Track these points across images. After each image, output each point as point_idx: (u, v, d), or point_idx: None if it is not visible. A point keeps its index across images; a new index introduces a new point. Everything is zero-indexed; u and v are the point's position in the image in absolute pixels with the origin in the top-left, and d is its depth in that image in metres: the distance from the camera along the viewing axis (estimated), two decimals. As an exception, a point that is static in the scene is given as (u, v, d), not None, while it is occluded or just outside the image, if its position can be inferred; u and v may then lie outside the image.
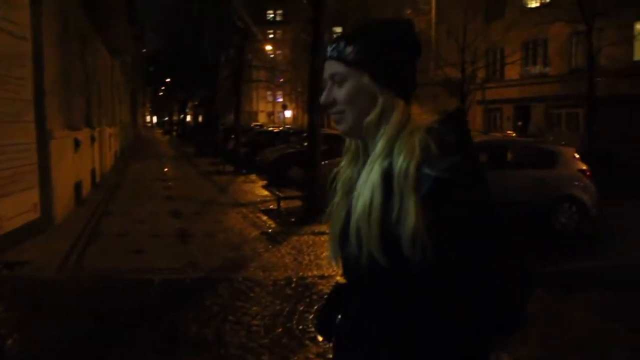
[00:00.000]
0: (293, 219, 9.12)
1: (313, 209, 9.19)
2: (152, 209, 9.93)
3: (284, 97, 61.44)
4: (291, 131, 23.20)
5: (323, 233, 7.77)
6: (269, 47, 60.71)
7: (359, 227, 1.23)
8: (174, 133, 51.29)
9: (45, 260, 6.18)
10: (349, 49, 1.32)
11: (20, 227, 6.74)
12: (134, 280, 5.68)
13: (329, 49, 1.37)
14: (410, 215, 1.15)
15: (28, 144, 7.11)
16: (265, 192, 12.47)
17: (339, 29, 35.66)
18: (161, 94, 69.64)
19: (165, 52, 48.81)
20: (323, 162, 9.74)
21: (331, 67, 1.35)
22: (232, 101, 23.96)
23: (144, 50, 50.47)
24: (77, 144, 10.25)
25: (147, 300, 5.20)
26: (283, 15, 64.36)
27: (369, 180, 1.24)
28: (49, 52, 8.03)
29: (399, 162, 1.20)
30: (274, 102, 70.13)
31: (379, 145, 1.26)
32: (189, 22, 41.52)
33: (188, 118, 52.70)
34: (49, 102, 7.81)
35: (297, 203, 10.20)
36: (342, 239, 1.33)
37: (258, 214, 9.58)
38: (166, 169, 18.68)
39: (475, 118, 29.16)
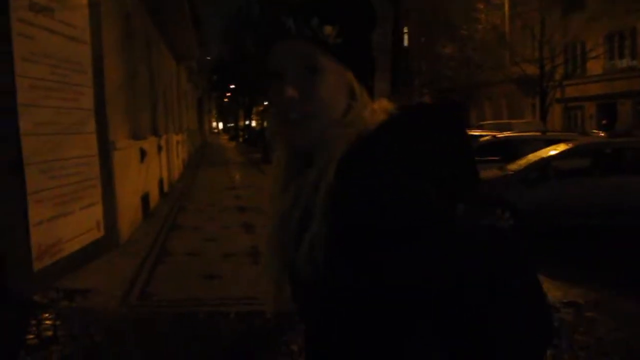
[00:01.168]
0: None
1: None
2: (223, 222, 9.19)
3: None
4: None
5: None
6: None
7: None
8: (240, 139, 51.36)
9: (108, 288, 5.48)
10: (329, 30, 0.98)
11: (81, 248, 6.10)
12: (206, 313, 4.89)
13: (290, 23, 0.99)
14: None
15: (89, 157, 6.48)
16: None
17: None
18: (226, 100, 70.39)
19: (229, 59, 49.19)
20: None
21: (299, 51, 0.99)
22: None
23: (208, 57, 51.05)
24: (142, 154, 9.68)
25: (221, 337, 4.40)
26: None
27: None
28: (110, 56, 7.42)
29: None
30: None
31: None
32: (250, 28, 41.68)
33: (253, 123, 52.76)
34: (111, 110, 7.19)
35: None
36: None
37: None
38: (235, 177, 18.12)
39: (554, 117, 27.28)
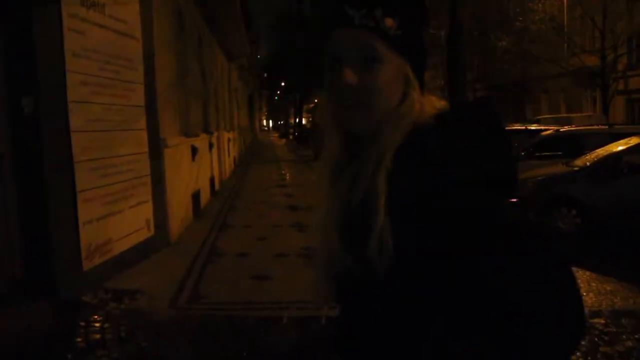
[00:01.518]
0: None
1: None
2: (274, 221, 9.00)
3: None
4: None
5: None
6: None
7: None
8: (291, 136, 51.44)
9: (157, 289, 5.34)
10: (390, 22, 1.01)
11: (131, 247, 5.99)
12: (258, 317, 4.67)
13: (354, 12, 1.00)
14: None
15: (140, 154, 6.37)
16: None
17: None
18: (277, 98, 70.77)
19: (279, 57, 49.36)
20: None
21: (360, 38, 1.00)
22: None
23: (259, 56, 51.37)
24: (194, 151, 9.59)
25: (273, 343, 4.17)
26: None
27: None
28: (161, 53, 7.31)
29: None
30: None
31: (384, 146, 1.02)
32: (300, 24, 41.70)
33: (304, 121, 52.77)
34: (162, 107, 7.08)
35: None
36: None
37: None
38: (286, 175, 17.98)
39: (616, 110, 25.99)
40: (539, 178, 8.32)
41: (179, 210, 7.97)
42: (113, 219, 5.64)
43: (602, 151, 8.27)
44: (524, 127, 13.47)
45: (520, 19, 25.04)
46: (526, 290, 0.91)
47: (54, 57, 4.78)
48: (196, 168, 9.93)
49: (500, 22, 27.27)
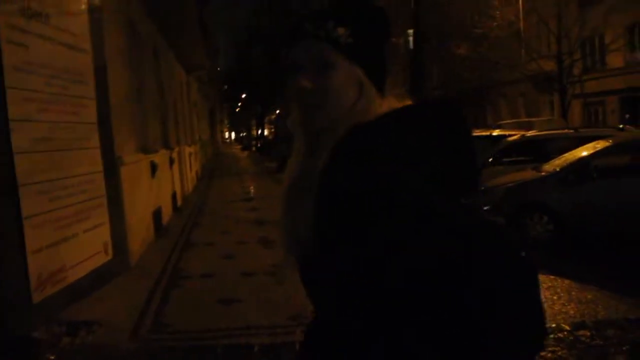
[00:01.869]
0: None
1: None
2: (239, 237, 8.65)
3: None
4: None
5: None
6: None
7: None
8: (253, 148, 51.02)
9: (117, 319, 4.95)
10: (341, 31, 1.12)
11: (87, 274, 5.58)
12: (226, 346, 4.34)
13: (309, 25, 1.14)
14: None
15: (93, 174, 5.97)
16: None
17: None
18: (238, 110, 70.24)
19: (239, 69, 49.06)
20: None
21: (314, 48, 1.12)
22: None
23: (219, 68, 50.92)
24: (153, 167, 9.18)
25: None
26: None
27: None
28: (114, 66, 6.93)
29: None
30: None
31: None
32: (259, 37, 41.55)
33: (266, 132, 52.45)
34: (117, 123, 6.70)
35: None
36: None
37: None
38: (250, 187, 17.61)
39: (574, 114, 26.42)
40: (509, 185, 8.19)
41: (139, 230, 7.57)
42: (66, 245, 5.23)
43: (570, 156, 8.20)
44: (488, 133, 13.44)
45: (478, 25, 25.29)
46: (482, 291, 0.91)
47: (-8, 72, 4.38)
48: (156, 185, 9.52)
49: (458, 29, 27.52)
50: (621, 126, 12.13)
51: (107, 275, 5.99)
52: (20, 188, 4.52)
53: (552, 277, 5.85)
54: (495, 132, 13.55)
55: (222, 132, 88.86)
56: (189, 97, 20.68)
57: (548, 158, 8.85)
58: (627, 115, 24.71)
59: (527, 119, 23.45)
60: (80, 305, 5.17)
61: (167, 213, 10.61)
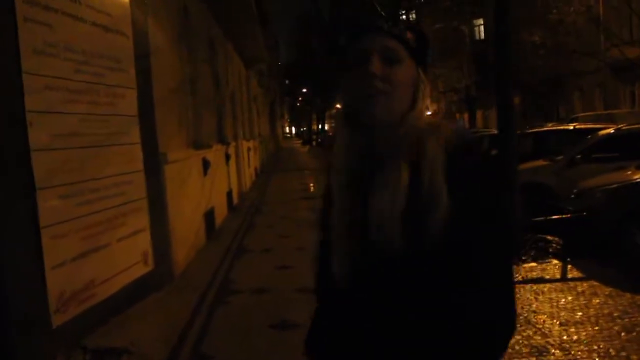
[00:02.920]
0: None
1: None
2: (298, 242, 7.82)
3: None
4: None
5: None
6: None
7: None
8: (314, 142, 50.35)
9: (150, 345, 4.22)
10: (410, 35, 1.30)
11: (122, 288, 4.88)
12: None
13: (383, 24, 1.29)
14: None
15: (132, 174, 5.26)
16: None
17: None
18: (299, 104, 69.83)
19: (299, 63, 48.50)
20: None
21: (386, 41, 1.27)
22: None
23: (280, 63, 50.52)
24: (205, 165, 8.50)
25: None
26: (416, 15, 62.31)
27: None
28: (161, 54, 6.24)
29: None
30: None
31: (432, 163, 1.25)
32: (318, 29, 40.80)
33: (326, 127, 51.73)
34: (162, 116, 6.00)
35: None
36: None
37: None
38: (310, 185, 16.82)
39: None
40: (609, 187, 7.00)
41: (187, 235, 6.87)
42: (96, 256, 4.53)
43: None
44: (572, 127, 12.13)
45: (555, 11, 23.50)
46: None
47: (4, 56, 3.69)
48: (209, 183, 8.84)
49: (531, 15, 25.74)
50: None
51: (148, 288, 5.29)
52: (37, 192, 3.82)
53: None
54: (572, 126, 12.25)
55: (283, 127, 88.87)
56: (248, 91, 20.10)
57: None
58: None
59: (606, 112, 21.61)
60: (109, 327, 4.46)
61: (221, 213, 9.93)
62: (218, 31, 11.85)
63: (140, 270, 5.25)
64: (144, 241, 5.38)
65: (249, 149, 17.30)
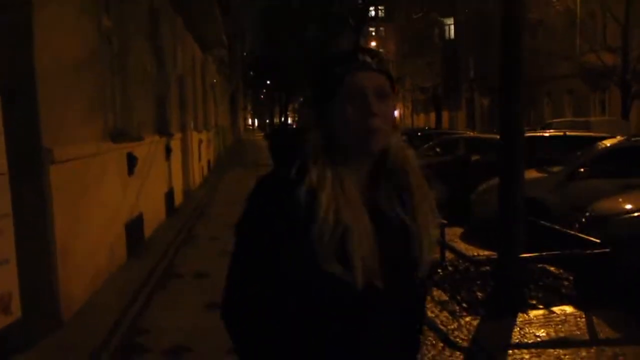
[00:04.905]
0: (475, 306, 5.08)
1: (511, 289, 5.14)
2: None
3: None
4: (419, 133, 19.00)
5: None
6: (373, 44, 57.55)
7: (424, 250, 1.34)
8: (275, 136, 48.63)
9: None
10: (389, 68, 1.38)
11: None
12: None
13: (369, 59, 1.34)
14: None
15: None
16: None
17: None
18: (262, 96, 67.97)
19: (265, 54, 46.78)
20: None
21: (378, 79, 1.33)
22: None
23: (245, 53, 48.51)
24: (131, 161, 6.75)
25: None
26: (385, 12, 61.30)
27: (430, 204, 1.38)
28: (53, 4, 4.49)
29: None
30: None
31: (417, 170, 1.39)
32: (288, 19, 39.34)
33: (289, 120, 50.23)
34: (51, 96, 4.25)
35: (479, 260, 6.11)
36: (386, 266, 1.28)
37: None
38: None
39: (633, 114, 23.48)
40: (633, 215, 5.57)
41: (91, 256, 5.11)
42: None
43: None
44: (562, 133, 10.83)
45: (534, 9, 22.36)
46: None
47: None
48: (137, 184, 7.08)
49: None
50: None
51: (4, 349, 3.54)
52: None
53: None
54: (562, 132, 10.98)
55: (245, 119, 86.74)
56: (203, 77, 18.23)
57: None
58: None
59: (585, 118, 20.55)
60: None
61: (154, 220, 8.17)
62: (164, 2, 10.03)
63: (2, 321, 3.50)
64: (3, 279, 3.62)
65: (200, 142, 15.49)
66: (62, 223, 4.29)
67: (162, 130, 9.49)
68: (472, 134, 19.32)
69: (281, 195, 1.27)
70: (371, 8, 63.64)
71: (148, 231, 7.64)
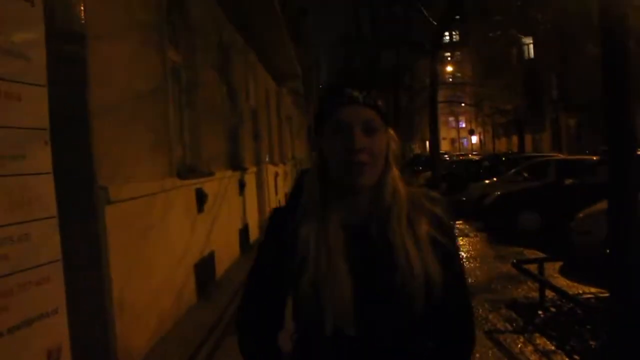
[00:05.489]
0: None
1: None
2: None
3: (466, 122, 59.53)
4: (504, 158, 17.99)
5: None
6: (449, 69, 56.56)
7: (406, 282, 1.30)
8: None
9: None
10: (380, 102, 1.38)
11: None
12: None
13: (358, 94, 1.35)
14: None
15: (32, 223, 3.22)
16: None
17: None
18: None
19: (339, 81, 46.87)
20: None
21: (366, 114, 1.34)
22: (417, 128, 19.42)
23: (321, 85, 48.85)
24: (201, 198, 6.47)
25: None
26: (459, 36, 60.35)
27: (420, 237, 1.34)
28: (110, 39, 4.28)
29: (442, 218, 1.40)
30: (458, 128, 66.03)
31: (402, 205, 1.37)
32: (359, 48, 39.37)
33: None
34: (108, 132, 4.00)
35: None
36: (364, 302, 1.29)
37: (500, 313, 4.89)
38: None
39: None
40: None
41: (154, 304, 4.78)
42: None
43: None
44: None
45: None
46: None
47: None
48: (207, 221, 6.80)
49: (584, 22, 23.13)
50: None
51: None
52: None
53: None
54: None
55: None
56: (278, 109, 18.17)
57: None
58: None
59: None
60: None
61: (227, 258, 7.87)
62: (234, 34, 9.92)
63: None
64: (52, 331, 3.30)
65: (276, 175, 15.30)
66: (119, 267, 3.97)
67: (235, 164, 9.27)
68: (561, 155, 18.15)
69: (278, 225, 1.41)
70: (446, 33, 63.02)
71: (220, 270, 7.33)
